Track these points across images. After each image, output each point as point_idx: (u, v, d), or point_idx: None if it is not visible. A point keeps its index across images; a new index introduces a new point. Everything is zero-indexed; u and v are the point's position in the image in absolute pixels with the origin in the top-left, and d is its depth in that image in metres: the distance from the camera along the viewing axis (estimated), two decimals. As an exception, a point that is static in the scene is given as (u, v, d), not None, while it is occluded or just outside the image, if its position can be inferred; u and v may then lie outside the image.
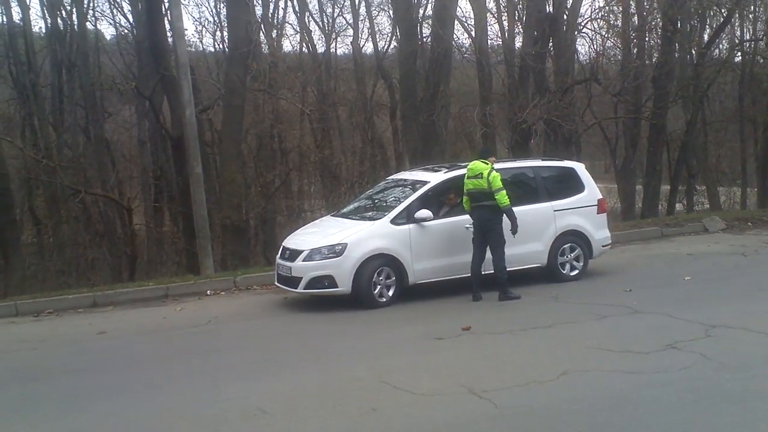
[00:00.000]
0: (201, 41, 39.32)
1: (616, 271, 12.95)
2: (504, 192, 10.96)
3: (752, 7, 27.91)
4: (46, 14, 27.10)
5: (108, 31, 51.99)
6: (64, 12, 27.00)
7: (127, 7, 28.29)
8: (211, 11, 38.63)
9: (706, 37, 26.31)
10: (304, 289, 11.14)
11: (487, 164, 11.28)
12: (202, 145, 18.92)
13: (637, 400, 6.43)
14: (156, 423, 6.65)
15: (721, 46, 28.39)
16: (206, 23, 47.34)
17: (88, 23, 27.99)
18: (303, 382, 7.51)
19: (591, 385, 6.94)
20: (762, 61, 27.44)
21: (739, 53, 28.07)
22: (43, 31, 28.43)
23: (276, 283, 11.94)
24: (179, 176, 19.47)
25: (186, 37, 19.21)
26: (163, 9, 19.65)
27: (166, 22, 19.42)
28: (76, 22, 27.02)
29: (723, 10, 25.30)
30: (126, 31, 29.27)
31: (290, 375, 7.87)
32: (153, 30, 19.40)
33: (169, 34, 19.31)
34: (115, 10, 29.75)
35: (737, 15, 27.04)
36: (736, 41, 28.87)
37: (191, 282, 13.56)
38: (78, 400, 7.44)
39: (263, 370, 8.09)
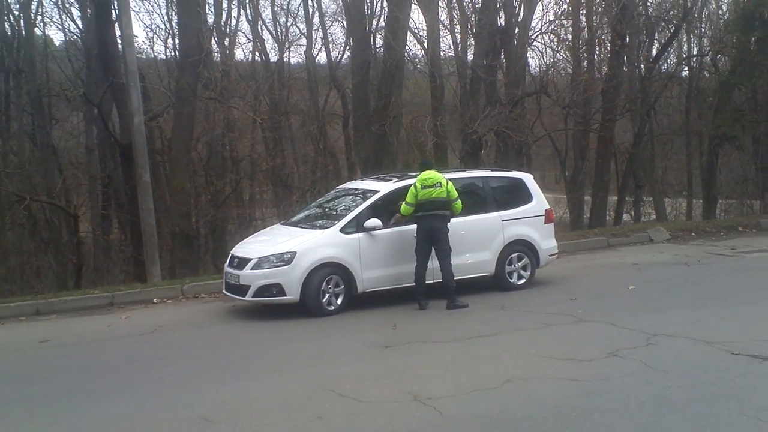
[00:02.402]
0: (152, 48, 39.03)
1: (563, 280, 13.09)
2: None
3: (698, 23, 28.62)
4: (-7, 19, 26.63)
5: (57, 37, 51.43)
6: (11, 17, 26.60)
7: (76, 13, 27.91)
8: (163, 18, 38.34)
9: (654, 51, 26.89)
10: (252, 297, 11.07)
11: (440, 174, 11.44)
12: (151, 152, 18.75)
13: (580, 408, 6.50)
14: (97, 432, 6.56)
15: (668, 60, 29.12)
16: (157, 30, 46.54)
17: (36, 29, 27.66)
18: (248, 391, 7.47)
19: (534, 392, 7.01)
20: (708, 75, 28.05)
21: (686, 68, 28.68)
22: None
23: (224, 291, 11.84)
24: (127, 184, 19.24)
25: (137, 44, 19.12)
26: (113, 15, 19.46)
27: (116, 28, 19.22)
28: (23, 28, 26.62)
29: (670, 26, 25.95)
30: (75, 37, 28.88)
31: (236, 383, 7.80)
32: (102, 36, 19.21)
33: (119, 41, 19.12)
34: (64, 16, 29.39)
35: (684, 30, 27.65)
36: (683, 56, 29.52)
37: (137, 290, 13.35)
38: (18, 409, 7.31)
39: (208, 379, 8.01)
